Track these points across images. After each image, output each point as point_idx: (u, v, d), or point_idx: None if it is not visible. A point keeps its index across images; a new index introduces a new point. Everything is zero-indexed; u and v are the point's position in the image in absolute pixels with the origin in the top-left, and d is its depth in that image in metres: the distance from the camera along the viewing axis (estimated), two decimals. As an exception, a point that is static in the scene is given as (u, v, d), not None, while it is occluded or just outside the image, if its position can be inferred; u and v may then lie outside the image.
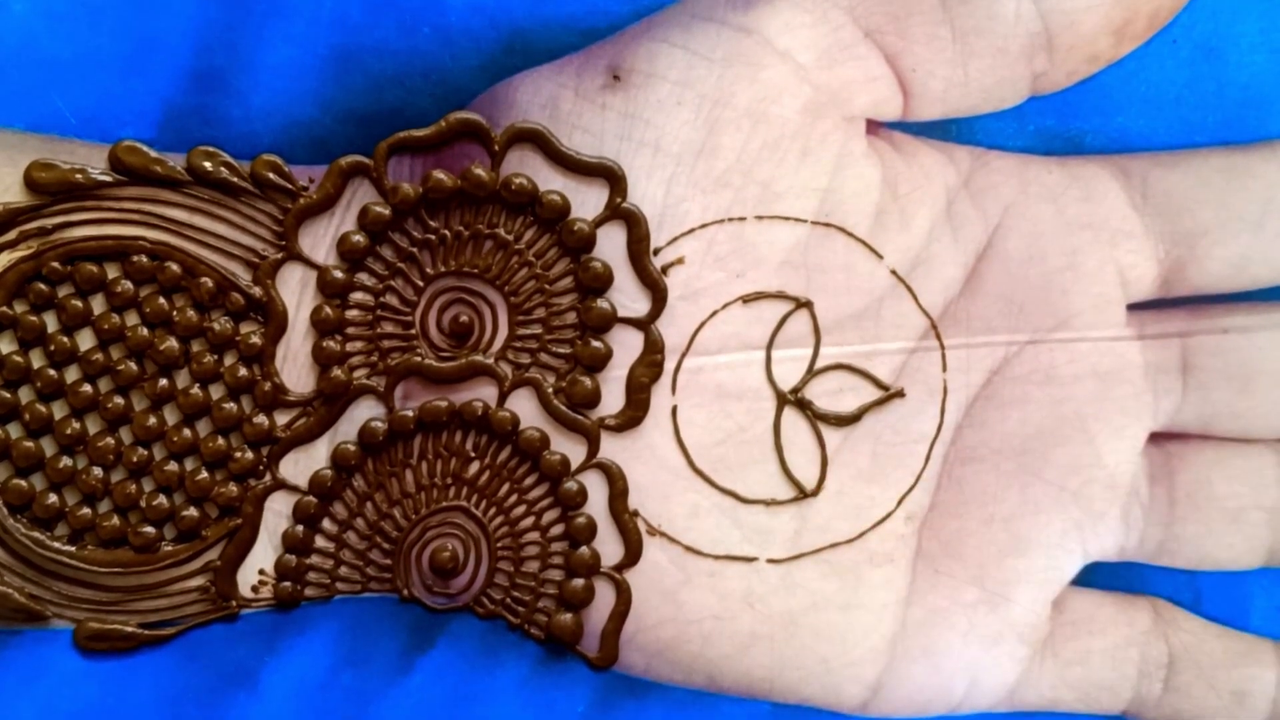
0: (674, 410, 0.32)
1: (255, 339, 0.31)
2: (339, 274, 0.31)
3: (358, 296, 0.32)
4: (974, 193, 0.32)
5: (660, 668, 0.32)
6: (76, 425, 0.31)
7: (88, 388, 0.31)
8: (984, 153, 0.32)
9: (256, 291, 0.31)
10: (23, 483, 0.31)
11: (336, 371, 0.31)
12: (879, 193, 0.32)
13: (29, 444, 0.31)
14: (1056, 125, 0.32)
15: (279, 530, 0.32)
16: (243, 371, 0.31)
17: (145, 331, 0.31)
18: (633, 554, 0.32)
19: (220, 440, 0.31)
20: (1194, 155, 0.32)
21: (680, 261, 0.32)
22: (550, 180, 0.31)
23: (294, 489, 0.32)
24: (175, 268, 0.31)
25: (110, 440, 0.31)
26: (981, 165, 0.32)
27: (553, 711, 0.32)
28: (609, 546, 0.32)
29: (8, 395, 0.31)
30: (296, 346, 0.32)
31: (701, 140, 0.31)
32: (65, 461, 0.31)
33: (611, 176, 0.31)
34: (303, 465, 0.32)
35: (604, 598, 0.32)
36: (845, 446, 0.32)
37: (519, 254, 0.32)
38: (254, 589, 0.32)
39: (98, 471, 0.31)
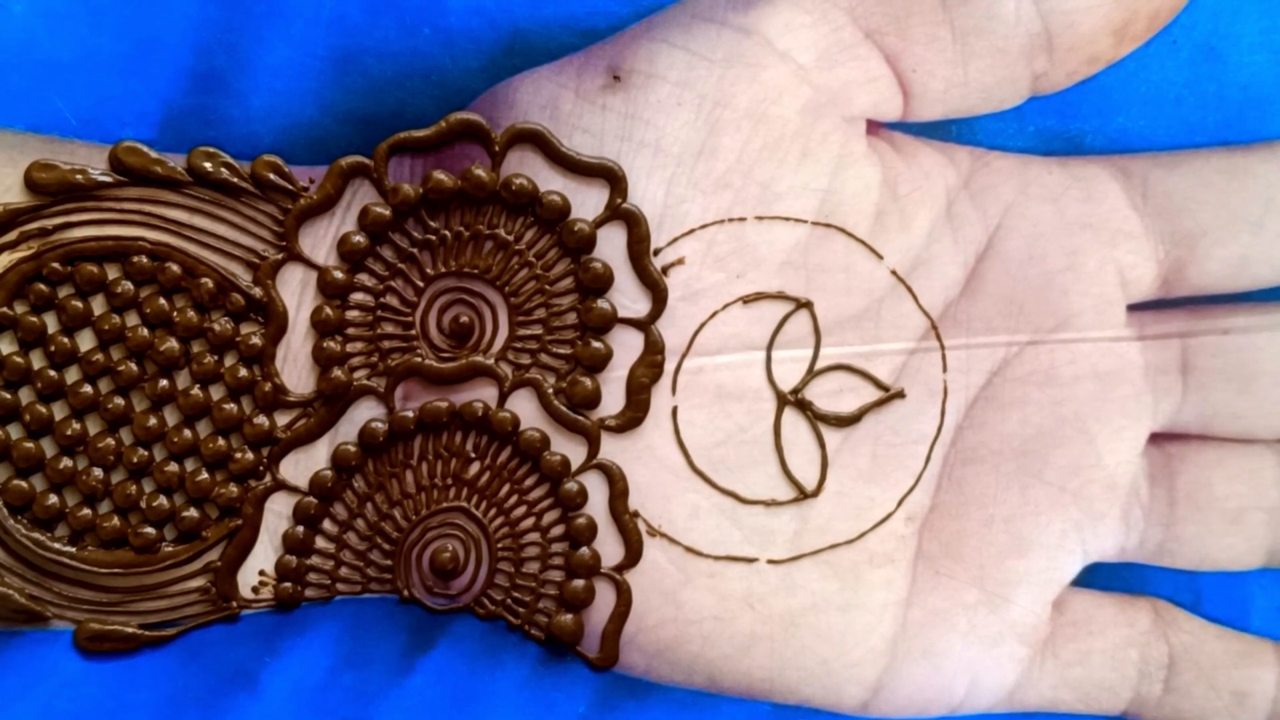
0: (674, 411, 0.32)
1: (255, 339, 0.31)
2: (339, 275, 0.31)
3: (358, 297, 0.32)
4: (974, 193, 0.32)
5: (660, 668, 0.32)
6: (77, 426, 0.31)
7: (88, 388, 0.31)
8: (984, 153, 0.32)
9: (257, 292, 0.31)
10: (23, 483, 0.31)
11: (337, 372, 0.31)
12: (879, 193, 0.32)
13: (29, 445, 0.31)
14: (1057, 126, 0.32)
15: (279, 531, 0.32)
16: (243, 372, 0.31)
17: (145, 332, 0.31)
18: (633, 555, 0.32)
19: (220, 441, 0.31)
20: (1194, 156, 0.32)
21: (680, 262, 0.32)
22: (550, 181, 0.31)
23: (294, 490, 0.32)
24: (175, 268, 0.31)
25: (110, 441, 0.31)
26: (982, 166, 0.32)
27: (553, 712, 0.32)
28: (609, 547, 0.32)
29: (8, 396, 0.31)
30: (297, 347, 0.32)
31: (702, 141, 0.31)
32: (65, 462, 0.31)
33: (612, 177, 0.31)
34: (303, 466, 0.32)
35: (604, 598, 0.32)
36: (845, 447, 0.32)
37: (519, 254, 0.32)
38: (254, 590, 0.32)
39: (98, 472, 0.31)
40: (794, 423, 0.32)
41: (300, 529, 0.32)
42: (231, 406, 0.31)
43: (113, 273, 0.31)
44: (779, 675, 0.32)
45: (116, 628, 0.31)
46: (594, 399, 0.32)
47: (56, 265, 0.31)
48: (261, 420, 0.31)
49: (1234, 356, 0.33)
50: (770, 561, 0.32)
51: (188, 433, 0.31)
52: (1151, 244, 0.32)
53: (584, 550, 0.32)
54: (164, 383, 0.31)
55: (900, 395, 0.32)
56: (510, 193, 0.31)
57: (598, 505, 0.32)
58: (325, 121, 0.31)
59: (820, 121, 0.31)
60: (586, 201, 0.32)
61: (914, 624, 0.32)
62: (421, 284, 0.32)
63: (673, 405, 0.32)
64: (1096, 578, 0.33)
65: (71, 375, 0.31)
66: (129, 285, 0.31)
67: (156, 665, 0.31)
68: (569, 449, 0.32)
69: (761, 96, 0.31)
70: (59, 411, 0.31)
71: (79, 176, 0.31)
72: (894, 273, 0.32)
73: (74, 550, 0.31)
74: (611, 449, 0.32)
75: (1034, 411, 0.32)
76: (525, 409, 0.32)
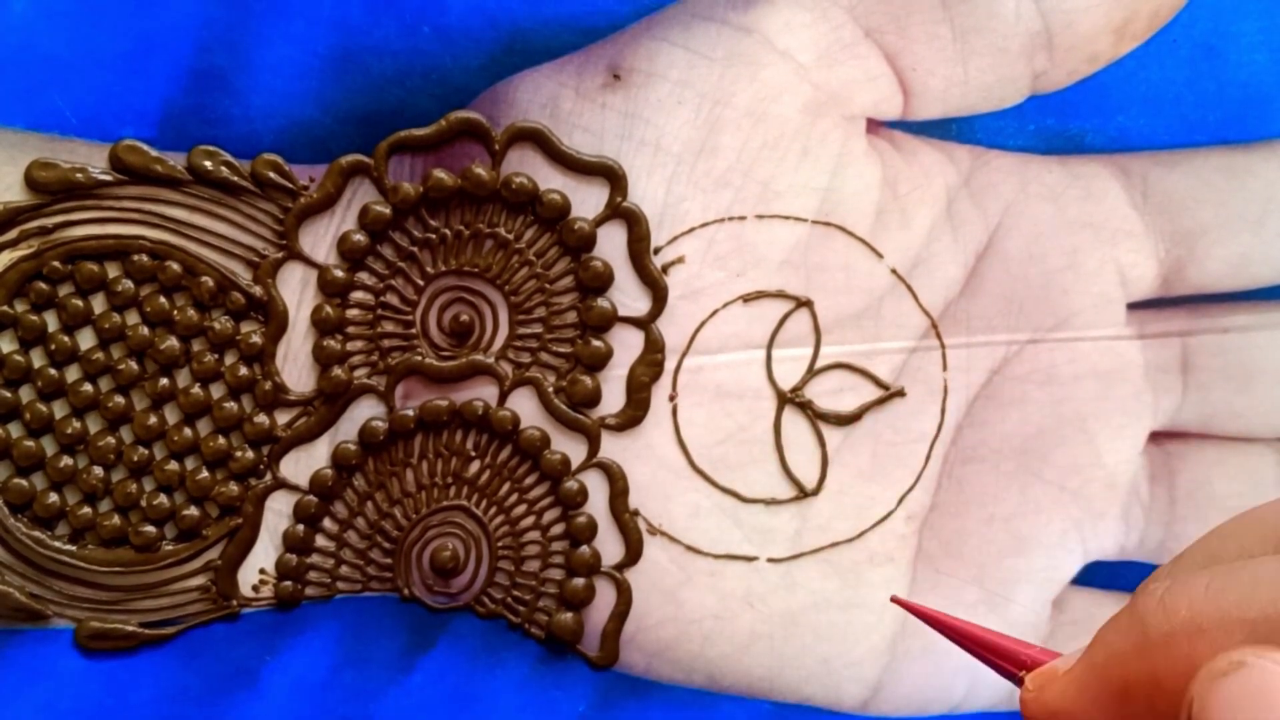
0: (674, 409, 0.32)
1: (256, 338, 0.31)
2: (339, 273, 0.31)
3: (358, 296, 0.32)
4: (974, 192, 0.32)
5: (661, 667, 0.32)
6: (77, 424, 0.31)
7: (88, 387, 0.31)
8: (984, 152, 0.32)
9: (257, 291, 0.31)
10: (23, 482, 0.31)
11: (337, 371, 0.31)
12: (879, 192, 0.32)
13: (30, 443, 0.31)
14: (1057, 124, 0.32)
15: (280, 529, 0.32)
16: (243, 371, 0.31)
17: (146, 331, 0.31)
18: (633, 553, 0.32)
19: (221, 439, 0.31)
20: (1194, 154, 0.32)
21: (680, 260, 0.32)
22: (550, 179, 0.31)
23: (295, 488, 0.32)
24: (176, 267, 0.31)
25: (111, 439, 0.31)
26: (982, 164, 0.32)
27: (553, 711, 0.32)
28: (609, 546, 0.32)
29: (8, 394, 0.31)
30: (297, 346, 0.32)
31: (702, 139, 0.31)
32: (66, 461, 0.31)
33: (612, 175, 0.31)
34: (303, 464, 0.32)
35: (604, 597, 0.32)
36: (845, 446, 0.32)
37: (519, 253, 0.32)
38: (255, 588, 0.32)
39: (98, 471, 0.31)
40: (794, 421, 0.32)
41: (300, 527, 0.32)
42: (232, 405, 0.31)
43: (113, 271, 0.31)
44: (779, 674, 0.32)
45: (117, 626, 0.31)
46: (594, 398, 0.32)
47: (57, 264, 0.31)
48: (262, 419, 0.31)
49: (1234, 355, 0.33)
50: (770, 560, 0.32)
51: (188, 431, 0.31)
52: (1151, 243, 0.32)
53: (584, 549, 0.32)
54: (164, 381, 0.31)
55: (900, 394, 0.32)
56: (510, 191, 0.31)
57: (598, 504, 0.32)
58: (325, 120, 0.31)
59: (820, 120, 0.32)
60: (587, 200, 0.32)
61: (914, 623, 0.32)
62: (422, 282, 0.32)
63: (673, 404, 0.32)
64: (1096, 577, 0.33)
65: (72, 374, 0.31)
66: (129, 284, 0.31)
67: (157, 664, 0.31)
68: (569, 447, 0.32)
69: (762, 95, 0.31)
70: (59, 410, 0.31)
71: (79, 175, 0.31)
72: (894, 271, 0.32)
73: (74, 549, 0.31)
74: (612, 448, 0.32)
75: (1034, 410, 0.32)
76: (525, 407, 0.32)
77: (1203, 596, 0.17)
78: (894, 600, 0.24)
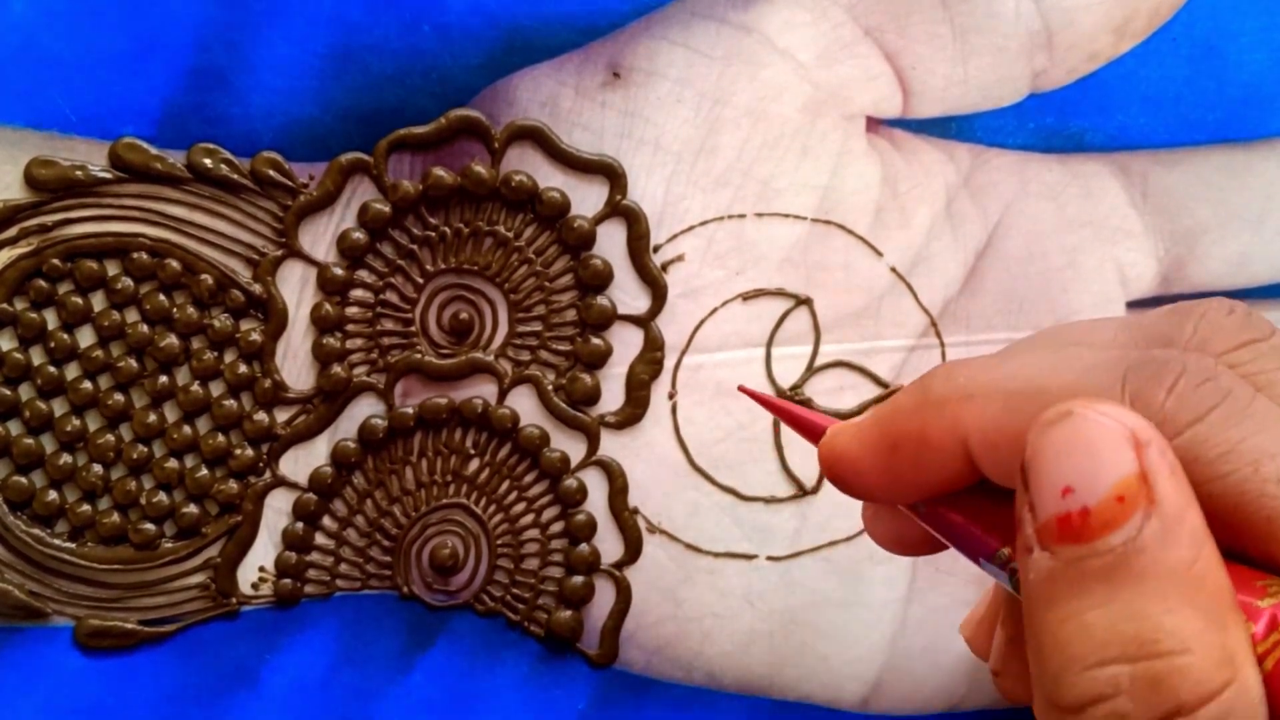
0: (674, 408, 0.32)
1: (255, 336, 0.31)
2: (339, 271, 0.31)
3: (358, 294, 0.32)
4: (974, 190, 0.32)
5: (660, 665, 0.32)
6: (76, 422, 0.31)
7: (88, 385, 0.31)
8: (984, 150, 0.32)
9: (256, 289, 0.31)
10: (23, 480, 0.31)
11: (336, 368, 0.31)
12: (879, 190, 0.32)
13: (29, 441, 0.31)
14: (1056, 123, 0.32)
15: (279, 527, 0.32)
16: (243, 369, 0.31)
17: (145, 328, 0.31)
18: (633, 551, 0.32)
19: (220, 437, 0.31)
20: (1194, 153, 0.32)
21: (680, 259, 0.32)
22: (550, 178, 0.31)
23: (294, 486, 0.32)
24: (175, 265, 0.31)
25: (110, 437, 0.31)
26: (981, 163, 0.32)
27: (553, 709, 0.32)
28: (609, 544, 0.32)
29: (8, 392, 0.31)
30: (296, 344, 0.32)
31: (701, 138, 0.31)
32: (65, 458, 0.31)
33: (611, 174, 0.31)
34: (303, 462, 0.32)
35: (604, 595, 0.32)
36: (845, 444, 0.32)
37: (519, 251, 0.32)
38: (254, 586, 0.32)
39: (98, 468, 0.31)
40: (794, 420, 0.32)
41: (300, 525, 0.32)
42: (231, 403, 0.31)
43: (112, 269, 0.31)
44: (779, 672, 0.32)
45: (116, 624, 0.31)
46: (593, 396, 0.32)
47: (56, 262, 0.31)
48: (261, 417, 0.31)
49: (1234, 354, 0.32)
50: (770, 558, 0.32)
51: (187, 429, 0.31)
52: (1151, 242, 0.32)
53: (583, 547, 0.32)
54: (164, 379, 0.31)
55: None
56: (510, 189, 0.31)
57: (597, 502, 0.32)
58: (325, 119, 0.31)
59: (820, 119, 0.32)
60: (586, 198, 0.32)
61: (914, 621, 0.32)
62: (421, 280, 0.32)
63: (672, 402, 0.32)
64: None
65: (71, 372, 0.31)
66: (129, 282, 0.31)
67: (156, 662, 0.31)
68: (568, 446, 0.32)
69: (761, 94, 0.31)
70: (59, 408, 0.31)
71: (79, 173, 0.31)
72: (894, 270, 0.32)
73: (74, 546, 0.31)
74: (611, 446, 0.32)
75: (1034, 409, 0.32)
76: (525, 406, 0.32)
77: (981, 370, 0.19)
78: (741, 389, 0.26)
